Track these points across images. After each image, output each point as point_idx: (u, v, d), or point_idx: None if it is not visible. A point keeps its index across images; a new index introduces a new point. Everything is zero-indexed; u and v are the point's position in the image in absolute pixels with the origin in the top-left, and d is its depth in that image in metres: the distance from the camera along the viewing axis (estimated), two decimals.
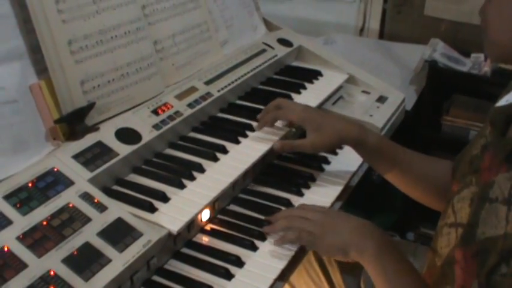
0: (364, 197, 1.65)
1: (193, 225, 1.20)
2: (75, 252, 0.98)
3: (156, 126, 1.32)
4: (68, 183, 1.10)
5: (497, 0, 1.00)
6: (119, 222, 1.06)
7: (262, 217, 1.27)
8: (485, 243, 0.88)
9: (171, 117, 1.37)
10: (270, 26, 1.98)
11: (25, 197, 1.04)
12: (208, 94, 1.50)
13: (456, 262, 0.96)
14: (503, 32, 1.00)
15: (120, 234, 1.04)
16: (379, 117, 1.71)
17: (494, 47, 1.04)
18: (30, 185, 1.07)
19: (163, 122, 1.34)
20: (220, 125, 1.49)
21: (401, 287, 1.08)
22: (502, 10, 0.99)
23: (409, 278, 1.09)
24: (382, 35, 3.09)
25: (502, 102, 1.06)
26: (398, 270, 1.09)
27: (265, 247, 1.19)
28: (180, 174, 1.25)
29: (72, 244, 1.00)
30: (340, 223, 1.17)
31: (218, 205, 1.28)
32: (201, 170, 1.28)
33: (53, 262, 0.96)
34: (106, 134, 1.25)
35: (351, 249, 1.12)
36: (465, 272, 0.93)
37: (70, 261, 0.97)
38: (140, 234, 1.05)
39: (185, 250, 1.18)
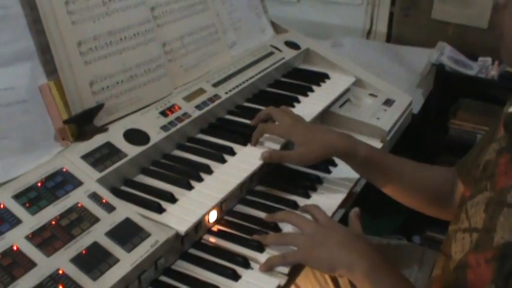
0: (370, 201, 1.64)
1: (200, 226, 1.20)
2: (84, 252, 0.99)
3: (164, 128, 1.33)
4: (77, 183, 1.11)
5: None
6: (127, 223, 1.07)
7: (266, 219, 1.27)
8: (504, 247, 0.88)
9: (179, 119, 1.37)
10: (277, 28, 1.98)
11: (34, 197, 1.05)
12: (216, 96, 1.50)
13: (469, 267, 0.95)
14: None
15: (128, 234, 1.05)
16: (386, 120, 1.71)
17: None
18: (39, 184, 1.08)
19: (171, 123, 1.35)
20: (228, 127, 1.49)
21: None
22: None
23: None
24: (389, 38, 3.09)
25: None
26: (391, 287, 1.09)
27: (272, 248, 1.19)
28: (188, 175, 1.25)
29: (80, 244, 1.00)
30: (330, 239, 1.14)
31: (225, 206, 1.28)
32: (209, 171, 1.28)
33: (62, 261, 0.96)
34: (114, 135, 1.25)
35: (338, 267, 1.10)
36: (478, 278, 0.92)
37: (78, 260, 0.97)
38: (148, 235, 1.06)
39: (192, 251, 1.19)
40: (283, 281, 1.12)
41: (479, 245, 0.95)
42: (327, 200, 1.36)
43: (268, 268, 1.13)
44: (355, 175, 1.45)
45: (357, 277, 1.09)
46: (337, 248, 1.12)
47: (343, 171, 1.46)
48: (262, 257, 1.16)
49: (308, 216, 1.23)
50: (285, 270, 1.14)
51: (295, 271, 1.17)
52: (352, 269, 1.09)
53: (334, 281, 1.55)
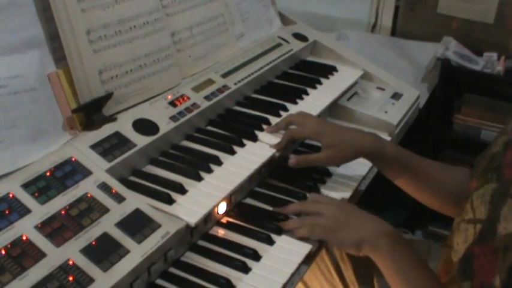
0: (373, 194, 1.63)
1: (210, 218, 1.19)
2: (94, 243, 0.98)
3: (173, 118, 1.32)
4: (86, 173, 1.10)
5: None
6: (137, 213, 1.06)
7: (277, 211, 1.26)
8: (507, 238, 0.88)
9: (188, 109, 1.36)
10: (285, 20, 1.97)
11: (43, 186, 1.04)
12: (225, 87, 1.49)
13: (475, 258, 0.96)
14: None
15: (138, 225, 1.03)
16: (394, 114, 1.70)
17: None
18: (48, 174, 1.06)
19: (180, 113, 1.34)
20: (237, 118, 1.48)
21: (415, 283, 1.08)
22: None
23: (423, 274, 1.09)
24: (394, 32, 3.08)
25: None
26: (412, 267, 1.09)
27: (282, 241, 1.18)
28: (197, 166, 1.24)
29: (90, 234, 0.99)
30: (354, 218, 1.17)
31: (234, 198, 1.27)
32: (218, 162, 1.27)
33: (72, 252, 0.95)
34: (123, 125, 1.24)
35: (364, 245, 1.12)
36: (485, 268, 0.92)
37: (88, 251, 0.96)
38: (158, 226, 1.04)
39: (202, 242, 1.18)
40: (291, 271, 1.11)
41: (484, 236, 0.95)
42: (336, 193, 1.35)
43: (297, 236, 1.17)
44: (363, 169, 1.44)
45: (380, 256, 1.11)
46: (361, 227, 1.14)
47: (352, 164, 1.45)
48: (272, 250, 1.15)
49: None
50: (297, 261, 1.13)
51: (304, 264, 1.15)
52: (376, 246, 1.11)
53: (341, 275, 1.55)
